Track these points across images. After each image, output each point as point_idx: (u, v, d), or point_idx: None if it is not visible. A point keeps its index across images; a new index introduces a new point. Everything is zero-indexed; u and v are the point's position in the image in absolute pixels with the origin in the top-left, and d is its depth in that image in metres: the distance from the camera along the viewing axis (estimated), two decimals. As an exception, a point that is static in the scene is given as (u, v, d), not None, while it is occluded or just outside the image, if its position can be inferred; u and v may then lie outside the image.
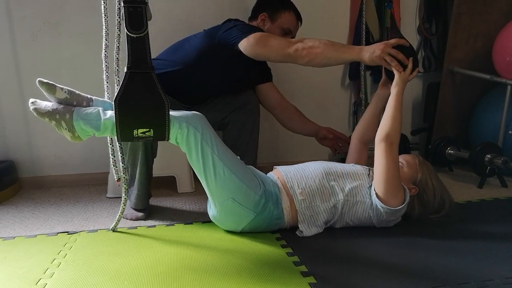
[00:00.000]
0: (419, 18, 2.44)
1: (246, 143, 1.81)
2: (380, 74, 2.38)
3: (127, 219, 1.56)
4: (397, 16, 2.33)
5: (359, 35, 2.31)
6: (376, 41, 2.34)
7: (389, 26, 2.30)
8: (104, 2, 1.24)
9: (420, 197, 1.42)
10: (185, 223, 1.52)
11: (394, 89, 1.38)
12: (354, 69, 2.37)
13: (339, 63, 1.71)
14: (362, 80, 2.35)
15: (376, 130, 1.42)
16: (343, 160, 2.05)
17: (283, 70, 2.30)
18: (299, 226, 1.35)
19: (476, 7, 2.27)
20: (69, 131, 1.23)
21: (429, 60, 2.51)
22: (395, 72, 1.39)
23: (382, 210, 1.33)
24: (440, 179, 1.46)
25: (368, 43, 2.33)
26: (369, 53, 1.40)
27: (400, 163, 1.42)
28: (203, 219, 1.54)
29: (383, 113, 1.61)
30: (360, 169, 1.44)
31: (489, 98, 2.26)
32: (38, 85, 1.20)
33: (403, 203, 1.33)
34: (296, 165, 1.48)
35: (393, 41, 1.41)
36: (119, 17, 1.21)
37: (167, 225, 1.50)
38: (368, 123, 1.60)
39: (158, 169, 1.92)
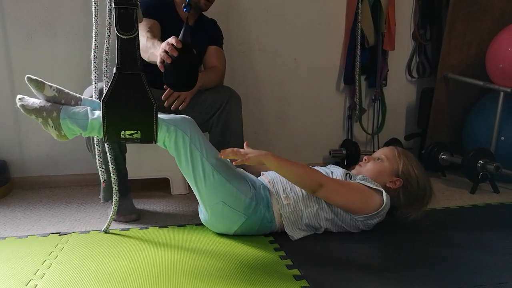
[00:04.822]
0: (414, 24, 2.46)
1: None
2: (375, 78, 2.42)
3: (120, 221, 1.54)
4: (392, 22, 2.35)
5: (354, 40, 2.33)
6: (371, 46, 2.36)
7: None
8: (95, 3, 1.23)
9: (405, 187, 1.40)
10: (178, 225, 1.51)
11: (265, 160, 1.32)
12: (349, 74, 2.38)
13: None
14: (357, 85, 2.36)
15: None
16: (337, 164, 2.06)
17: (279, 74, 2.31)
18: (286, 230, 1.35)
19: (470, 14, 2.29)
20: (55, 129, 1.22)
21: (423, 65, 2.53)
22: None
23: (360, 219, 1.34)
24: (421, 166, 1.44)
25: (363, 48, 2.34)
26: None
27: (379, 158, 1.44)
28: (196, 221, 1.53)
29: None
30: (341, 173, 1.43)
31: (482, 104, 2.28)
32: (26, 82, 1.18)
33: (381, 205, 1.33)
34: None
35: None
36: (110, 18, 1.20)
37: (160, 227, 1.49)
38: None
39: (152, 171, 1.93)
